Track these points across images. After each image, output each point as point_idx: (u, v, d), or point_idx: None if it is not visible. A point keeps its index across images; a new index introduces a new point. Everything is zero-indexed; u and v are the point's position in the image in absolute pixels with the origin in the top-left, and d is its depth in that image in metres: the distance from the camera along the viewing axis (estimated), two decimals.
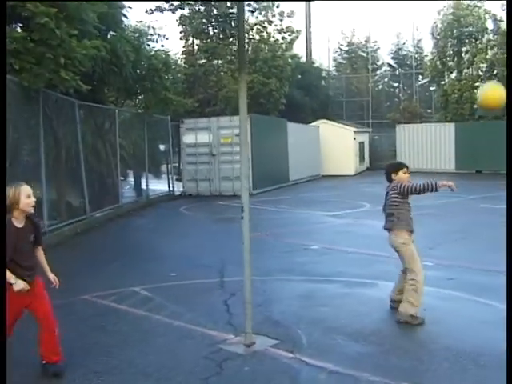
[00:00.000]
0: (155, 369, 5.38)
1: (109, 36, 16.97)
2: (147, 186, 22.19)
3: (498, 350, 5.35)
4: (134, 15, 50.89)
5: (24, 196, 4.98)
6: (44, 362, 5.28)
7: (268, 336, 6.13)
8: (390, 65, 52.88)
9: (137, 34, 18.61)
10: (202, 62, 31.33)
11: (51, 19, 11.11)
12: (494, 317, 6.62)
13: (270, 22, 34.83)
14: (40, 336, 5.24)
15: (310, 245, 11.85)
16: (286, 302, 7.67)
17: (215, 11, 31.03)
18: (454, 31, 37.69)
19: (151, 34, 20.43)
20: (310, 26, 44.57)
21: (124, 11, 17.40)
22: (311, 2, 44.00)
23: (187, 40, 31.45)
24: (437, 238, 12.23)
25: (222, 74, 31.33)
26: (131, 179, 22.19)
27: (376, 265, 9.74)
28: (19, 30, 11.71)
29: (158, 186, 23.49)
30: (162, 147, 25.23)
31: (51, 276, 5.36)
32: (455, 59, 38.53)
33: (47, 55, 11.21)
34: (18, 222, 5.01)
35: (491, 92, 5.98)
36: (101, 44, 14.20)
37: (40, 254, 5.37)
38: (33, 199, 5.06)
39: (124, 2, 17.44)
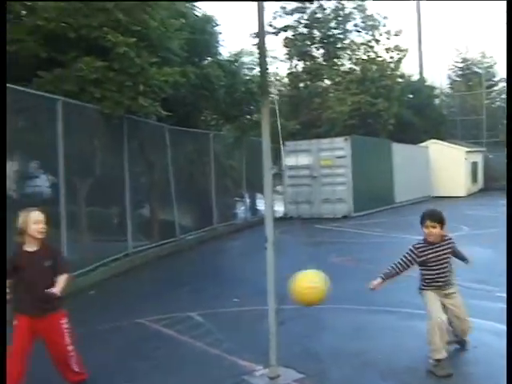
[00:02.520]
0: None
1: (205, 62, 17.40)
2: (247, 208, 22.46)
3: None
4: (237, 40, 51.60)
5: (32, 222, 5.10)
6: None
7: (296, 370, 5.96)
8: None
9: (231, 59, 18.91)
10: (305, 83, 31.32)
11: (132, 49, 11.50)
12: None
13: (377, 41, 34.43)
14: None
15: None
16: (332, 333, 7.44)
17: (317, 33, 31.08)
18: None
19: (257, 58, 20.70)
20: (421, 44, 43.63)
21: (215, 37, 17.67)
22: (421, 22, 43.07)
23: (291, 62, 31.70)
24: None
25: (328, 96, 31.17)
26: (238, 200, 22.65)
27: None
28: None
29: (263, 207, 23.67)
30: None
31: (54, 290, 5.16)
32: None
33: (127, 83, 11.59)
34: (29, 246, 5.14)
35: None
36: (189, 70, 14.61)
37: (62, 279, 5.25)
38: (42, 226, 5.16)
39: (217, 28, 17.70)
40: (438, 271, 6.32)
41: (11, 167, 26.50)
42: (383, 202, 26.04)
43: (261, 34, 6.09)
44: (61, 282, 5.20)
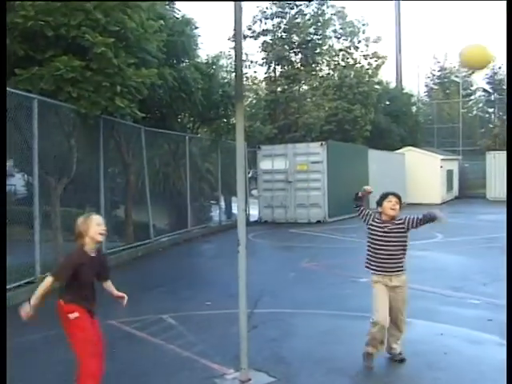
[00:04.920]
0: None
1: (183, 64, 17.41)
2: (222, 211, 22.49)
3: None
4: (214, 44, 51.75)
5: (95, 224, 5.14)
6: None
7: (267, 373, 5.98)
8: (484, 90, 51.33)
9: (209, 62, 18.96)
10: (283, 88, 31.41)
11: (109, 49, 11.47)
12: None
13: (356, 48, 34.64)
14: None
15: (360, 277, 11.52)
16: (303, 337, 7.47)
17: (296, 38, 31.18)
18: None
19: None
20: (399, 52, 44.01)
21: (194, 39, 17.69)
22: (400, 30, 43.44)
23: (269, 66, 31.74)
24: (494, 273, 11.66)
25: (305, 101, 31.28)
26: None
27: (419, 301, 9.33)
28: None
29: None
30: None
31: (120, 294, 5.49)
32: None
33: (104, 83, 11.55)
34: (89, 248, 5.14)
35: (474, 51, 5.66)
36: (167, 72, 14.61)
37: (108, 284, 5.50)
38: (103, 228, 5.20)
39: (195, 31, 17.72)
40: (387, 254, 6.21)
41: None
42: None
43: (237, 35, 6.13)
44: (112, 287, 5.51)
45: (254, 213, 24.54)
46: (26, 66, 11.18)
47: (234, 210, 24.13)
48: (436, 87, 51.35)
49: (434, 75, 51.89)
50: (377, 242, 6.23)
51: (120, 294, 5.44)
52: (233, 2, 5.83)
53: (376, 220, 6.30)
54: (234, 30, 6.05)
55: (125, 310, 8.85)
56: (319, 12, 32.67)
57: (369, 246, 6.35)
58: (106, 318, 8.24)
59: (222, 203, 23.14)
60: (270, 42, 31.23)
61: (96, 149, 13.18)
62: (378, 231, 6.24)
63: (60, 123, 12.15)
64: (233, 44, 27.68)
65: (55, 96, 11.28)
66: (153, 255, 15.12)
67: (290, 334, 7.62)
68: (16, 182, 24.62)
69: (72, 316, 5.00)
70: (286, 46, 31.25)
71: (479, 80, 51.31)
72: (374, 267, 6.26)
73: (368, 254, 6.34)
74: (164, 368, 6.31)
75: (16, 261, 9.57)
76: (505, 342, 7.05)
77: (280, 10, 31.70)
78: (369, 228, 6.34)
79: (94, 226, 5.14)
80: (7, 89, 10.11)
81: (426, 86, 52.24)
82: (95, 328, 5.20)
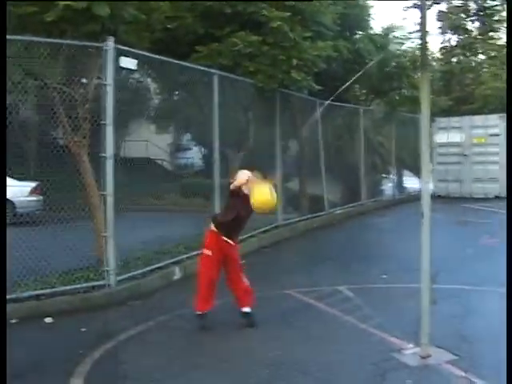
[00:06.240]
0: (318, 368, 5.43)
1: (356, 36, 17.26)
2: (394, 185, 22.18)
3: None
4: (388, 15, 50.44)
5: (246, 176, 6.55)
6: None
7: (448, 350, 5.81)
8: None
9: (383, 33, 18.61)
10: (458, 58, 30.06)
11: (285, 23, 11.59)
12: None
13: None
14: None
15: None
16: (483, 315, 7.16)
17: (473, 5, 29.62)
18: None
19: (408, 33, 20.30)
20: None
21: (367, 11, 17.43)
22: None
23: (444, 36, 30.43)
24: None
25: (482, 71, 29.77)
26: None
27: None
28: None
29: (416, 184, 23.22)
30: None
31: None
32: None
33: (280, 57, 11.71)
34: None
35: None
36: (342, 45, 14.54)
37: None
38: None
39: (368, 2, 17.46)
40: None
41: (165, 140, 27.64)
42: None
43: (422, 5, 5.95)
44: None
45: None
46: (206, 43, 11.59)
47: (406, 184, 23.70)
48: None
49: None
50: None
51: None
52: None
53: None
54: None
55: (302, 279, 9.10)
56: None
57: None
58: (282, 288, 8.49)
59: (395, 177, 22.77)
60: (445, 10, 29.91)
61: (272, 122, 13.42)
62: None
63: (238, 97, 12.48)
64: (406, 14, 26.93)
65: (233, 71, 11.62)
66: (327, 227, 15.21)
67: (469, 311, 7.34)
68: (193, 154, 25.81)
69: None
70: (462, 15, 29.81)
71: None
72: None
73: None
74: (341, 339, 6.34)
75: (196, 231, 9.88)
76: None
77: None
78: None
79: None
80: (187, 64, 10.59)
81: None
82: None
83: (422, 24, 5.90)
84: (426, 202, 5.68)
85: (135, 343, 6.35)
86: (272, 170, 13.37)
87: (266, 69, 11.75)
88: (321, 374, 5.34)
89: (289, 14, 11.61)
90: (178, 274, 9.35)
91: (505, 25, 31.73)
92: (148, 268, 8.95)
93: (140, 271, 8.76)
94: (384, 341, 6.17)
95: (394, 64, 18.81)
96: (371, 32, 18.25)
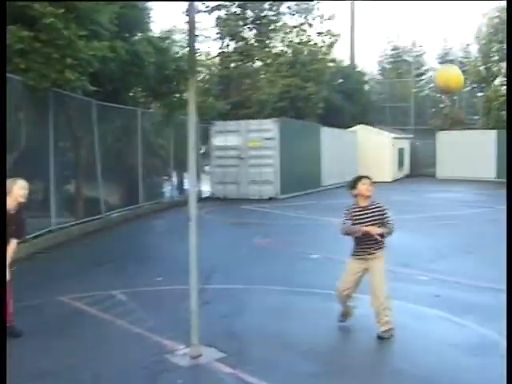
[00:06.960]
0: (91, 375, 5.34)
1: (135, 38, 17.13)
2: (174, 187, 22.41)
3: (450, 376, 5.14)
4: (168, 18, 51.22)
5: (18, 187, 6.15)
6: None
7: (218, 349, 5.98)
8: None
9: (162, 36, 18.70)
10: (236, 64, 31.22)
11: (59, 20, 11.19)
12: (466, 341, 6.37)
13: (310, 25, 34.52)
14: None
15: (311, 253, 11.63)
16: (254, 313, 7.50)
17: (250, 13, 30.98)
18: (500, 35, 35.67)
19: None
20: (353, 30, 44.08)
21: (147, 13, 17.41)
22: (355, 2, 43.50)
23: (223, 42, 31.45)
24: (443, 250, 11.90)
25: (258, 77, 31.21)
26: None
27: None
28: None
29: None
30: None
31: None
32: (499, 64, 37.10)
33: (54, 55, 11.29)
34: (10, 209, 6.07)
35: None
36: (119, 45, 14.33)
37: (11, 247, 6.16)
38: (25, 191, 6.18)
39: (148, 4, 17.45)
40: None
41: None
42: (310, 184, 26.31)
43: (190, 10, 6.05)
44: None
45: (207, 189, 24.48)
46: None
47: (186, 186, 24.02)
48: (389, 66, 51.75)
49: (386, 54, 52.31)
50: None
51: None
52: None
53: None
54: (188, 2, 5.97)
55: (76, 285, 8.85)
56: None
57: None
58: (55, 294, 8.20)
59: (175, 179, 22.99)
60: (224, 17, 30.91)
61: (45, 122, 12.88)
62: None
63: (8, 95, 11.80)
64: (186, 18, 27.02)
65: None
66: (104, 230, 14.93)
67: (241, 309, 7.62)
68: None
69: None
70: (239, 22, 31.01)
71: (431, 60, 51.98)
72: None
73: None
74: (114, 344, 6.27)
75: None
76: (453, 318, 7.24)
77: None
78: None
79: (17, 189, 6.10)
80: None
81: (379, 64, 52.64)
82: None
83: (190, 29, 6.01)
84: (192, 204, 5.76)
85: None
86: (45, 172, 12.87)
87: (39, 67, 11.26)
88: (94, 381, 5.23)
89: (63, 10, 11.22)
90: None
91: (280, 34, 33.57)
92: None
93: None
94: (157, 344, 6.20)
95: (173, 67, 18.93)
96: (151, 34, 18.22)
